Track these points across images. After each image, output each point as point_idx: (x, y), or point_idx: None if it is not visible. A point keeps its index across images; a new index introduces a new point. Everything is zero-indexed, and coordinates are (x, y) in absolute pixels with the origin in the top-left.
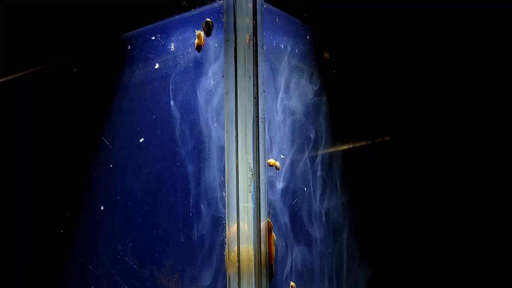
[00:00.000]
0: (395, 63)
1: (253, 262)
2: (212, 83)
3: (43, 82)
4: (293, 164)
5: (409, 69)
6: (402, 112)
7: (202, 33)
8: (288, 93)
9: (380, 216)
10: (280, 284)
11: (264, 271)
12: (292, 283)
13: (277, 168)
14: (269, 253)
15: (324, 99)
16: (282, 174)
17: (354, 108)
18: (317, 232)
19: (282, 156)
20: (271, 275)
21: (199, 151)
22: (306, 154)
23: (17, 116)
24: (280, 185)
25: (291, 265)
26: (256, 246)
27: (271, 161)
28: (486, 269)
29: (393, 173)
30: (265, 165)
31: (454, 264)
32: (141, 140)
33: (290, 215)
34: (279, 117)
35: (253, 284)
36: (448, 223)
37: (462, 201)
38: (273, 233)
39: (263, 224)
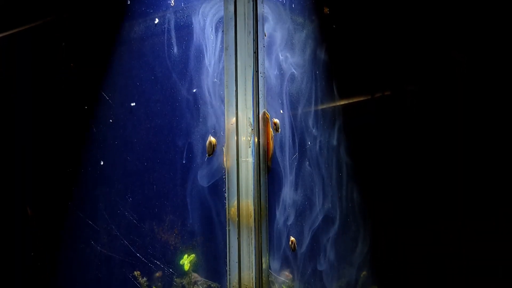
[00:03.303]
0: (395, 16)
1: (252, 217)
2: (212, 38)
3: (43, 37)
4: (294, 118)
5: (411, 23)
6: (403, 66)
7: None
8: (288, 48)
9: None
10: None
11: (264, 225)
12: (292, 238)
13: (277, 130)
14: (267, 147)
15: (324, 53)
16: (286, 132)
17: (354, 63)
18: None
19: (281, 111)
20: (268, 170)
21: (198, 106)
22: (306, 109)
23: (18, 71)
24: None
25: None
26: (256, 201)
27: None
28: (486, 242)
29: (392, 129)
30: (264, 120)
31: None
32: (140, 95)
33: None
34: (279, 72)
35: (253, 239)
36: (448, 191)
37: (462, 165)
38: (271, 129)
39: (261, 115)
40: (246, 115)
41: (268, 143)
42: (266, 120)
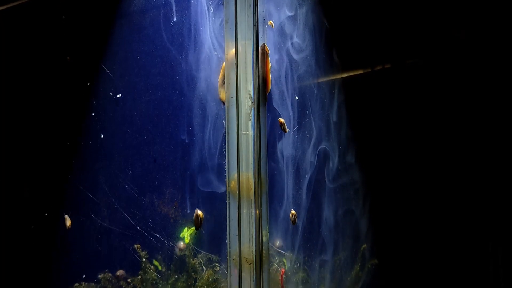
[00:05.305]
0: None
1: (252, 190)
2: (212, 10)
3: (43, 10)
4: (294, 93)
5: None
6: (404, 39)
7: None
8: (290, 22)
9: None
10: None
11: (264, 198)
12: (292, 211)
13: (284, 130)
14: (266, 80)
15: (326, 26)
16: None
17: (355, 35)
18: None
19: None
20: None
21: (198, 79)
22: (307, 82)
23: (19, 44)
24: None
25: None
26: (256, 175)
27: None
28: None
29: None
30: (263, 53)
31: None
32: (140, 68)
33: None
34: (280, 46)
35: (253, 212)
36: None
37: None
38: (269, 63)
39: (260, 48)
40: (246, 88)
41: (267, 76)
42: (265, 54)
